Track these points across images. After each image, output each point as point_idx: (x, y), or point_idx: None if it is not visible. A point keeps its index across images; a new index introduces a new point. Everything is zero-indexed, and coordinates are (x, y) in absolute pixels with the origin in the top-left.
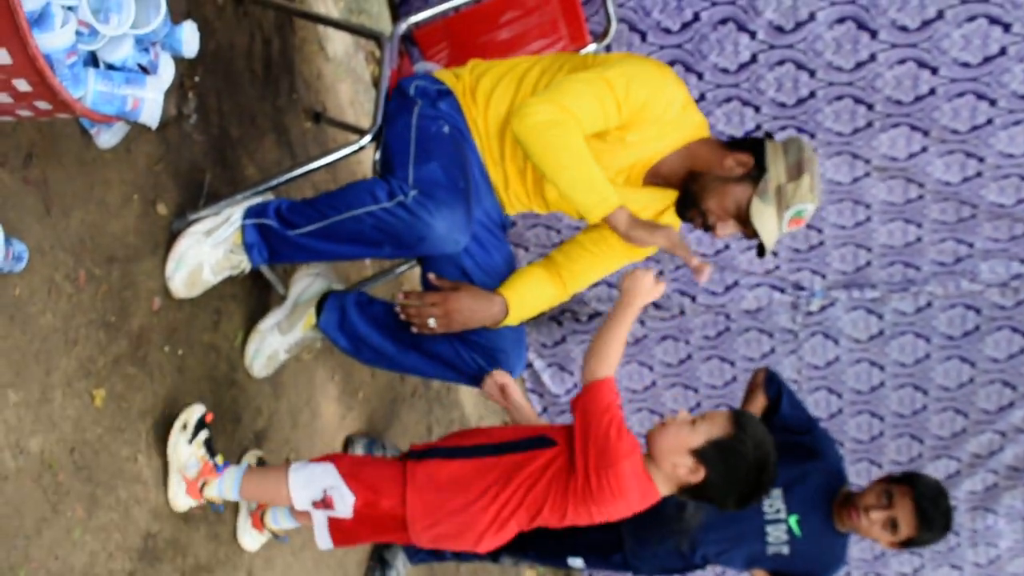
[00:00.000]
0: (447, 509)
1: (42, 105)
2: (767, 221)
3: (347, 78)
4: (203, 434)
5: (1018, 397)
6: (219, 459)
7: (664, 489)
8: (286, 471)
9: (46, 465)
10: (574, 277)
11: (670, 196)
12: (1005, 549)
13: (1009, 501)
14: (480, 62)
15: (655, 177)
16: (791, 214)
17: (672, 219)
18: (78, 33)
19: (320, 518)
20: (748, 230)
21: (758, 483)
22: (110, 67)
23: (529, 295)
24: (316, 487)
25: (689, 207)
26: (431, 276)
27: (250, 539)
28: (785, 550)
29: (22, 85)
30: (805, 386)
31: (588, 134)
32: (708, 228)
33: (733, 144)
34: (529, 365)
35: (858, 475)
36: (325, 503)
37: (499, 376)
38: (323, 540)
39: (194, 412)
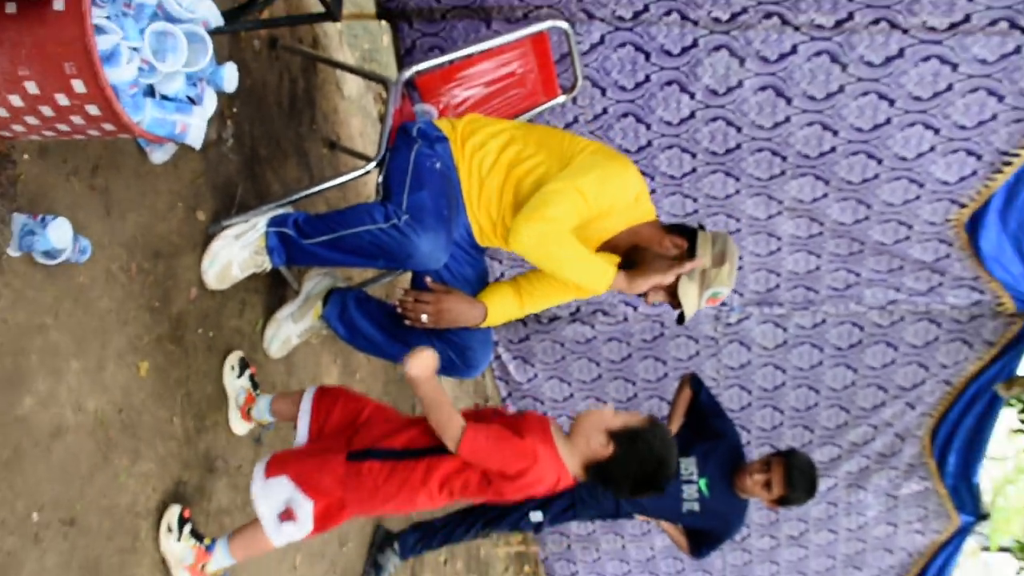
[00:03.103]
0: (379, 500)
1: (108, 127)
2: (690, 296)
3: (358, 114)
4: (187, 528)
5: (889, 398)
6: (207, 541)
7: (573, 466)
8: (256, 527)
9: (99, 422)
10: (532, 300)
11: (614, 258)
12: (871, 518)
13: (877, 480)
14: (475, 118)
15: (604, 246)
16: (710, 294)
17: None
18: (140, 69)
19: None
20: (674, 301)
21: (654, 475)
22: (164, 97)
23: (501, 307)
24: (277, 500)
25: None
26: (428, 280)
27: (240, 427)
28: (696, 507)
29: (93, 110)
30: (722, 383)
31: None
32: (641, 294)
33: (671, 228)
34: (498, 357)
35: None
36: (288, 515)
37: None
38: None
39: (172, 513)
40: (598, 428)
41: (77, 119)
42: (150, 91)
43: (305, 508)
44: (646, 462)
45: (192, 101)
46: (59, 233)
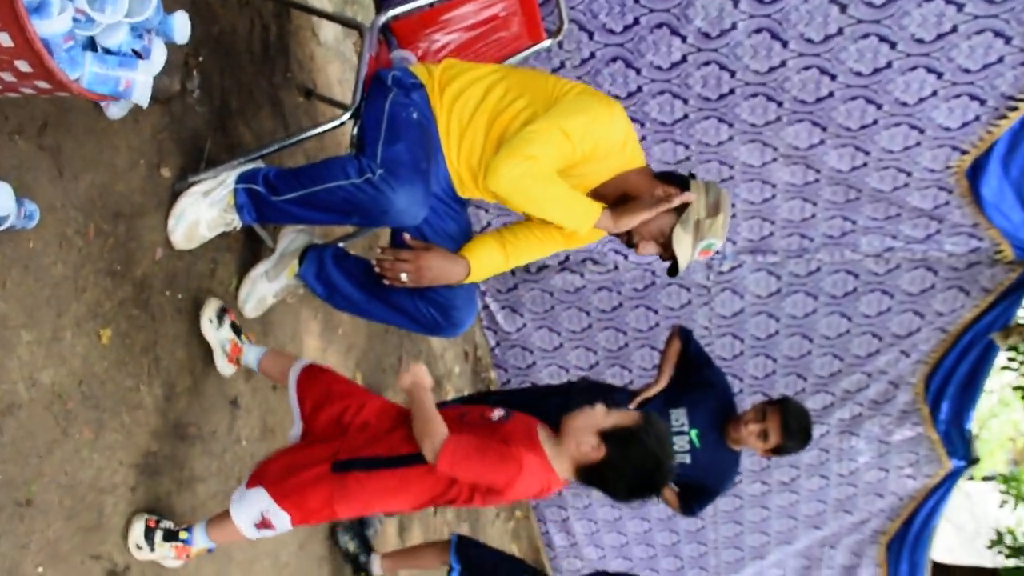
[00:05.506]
0: (374, 506)
1: (42, 84)
2: (684, 247)
3: (336, 60)
4: (158, 535)
5: (883, 346)
6: (183, 535)
7: (563, 470)
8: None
9: (56, 395)
10: (517, 253)
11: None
12: (863, 464)
13: (869, 427)
14: (453, 63)
15: (593, 194)
16: (703, 245)
17: None
18: (75, 20)
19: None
20: (666, 252)
21: (651, 477)
22: (107, 51)
23: (485, 262)
24: (254, 511)
25: None
26: (406, 236)
27: (227, 369)
28: (687, 459)
29: (23, 66)
30: (715, 332)
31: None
32: (631, 244)
33: (663, 176)
34: (486, 307)
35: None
36: (265, 524)
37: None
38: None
39: (137, 531)
40: (588, 430)
41: (7, 76)
42: (91, 44)
43: (282, 520)
44: (642, 464)
45: (139, 55)
46: None
